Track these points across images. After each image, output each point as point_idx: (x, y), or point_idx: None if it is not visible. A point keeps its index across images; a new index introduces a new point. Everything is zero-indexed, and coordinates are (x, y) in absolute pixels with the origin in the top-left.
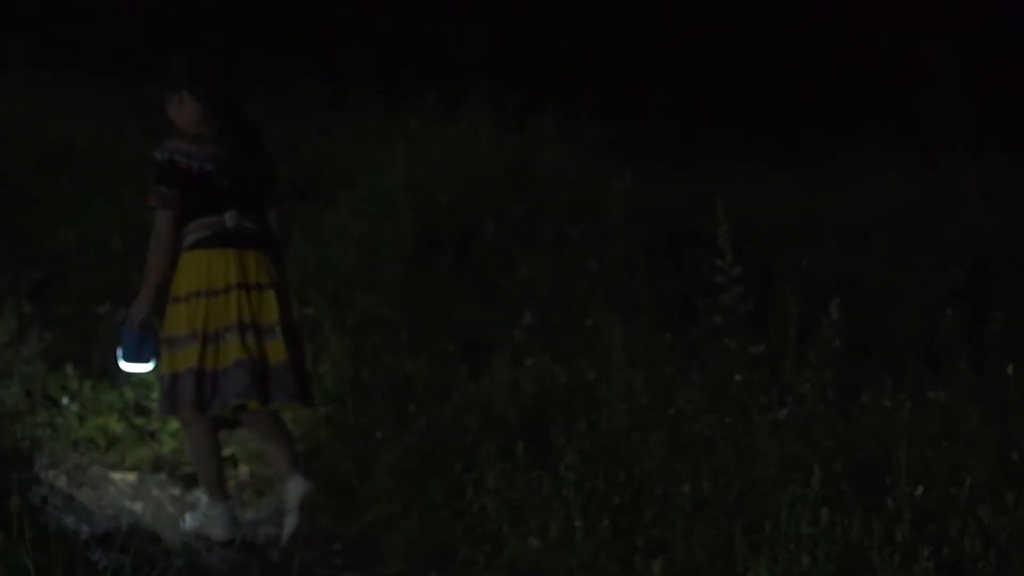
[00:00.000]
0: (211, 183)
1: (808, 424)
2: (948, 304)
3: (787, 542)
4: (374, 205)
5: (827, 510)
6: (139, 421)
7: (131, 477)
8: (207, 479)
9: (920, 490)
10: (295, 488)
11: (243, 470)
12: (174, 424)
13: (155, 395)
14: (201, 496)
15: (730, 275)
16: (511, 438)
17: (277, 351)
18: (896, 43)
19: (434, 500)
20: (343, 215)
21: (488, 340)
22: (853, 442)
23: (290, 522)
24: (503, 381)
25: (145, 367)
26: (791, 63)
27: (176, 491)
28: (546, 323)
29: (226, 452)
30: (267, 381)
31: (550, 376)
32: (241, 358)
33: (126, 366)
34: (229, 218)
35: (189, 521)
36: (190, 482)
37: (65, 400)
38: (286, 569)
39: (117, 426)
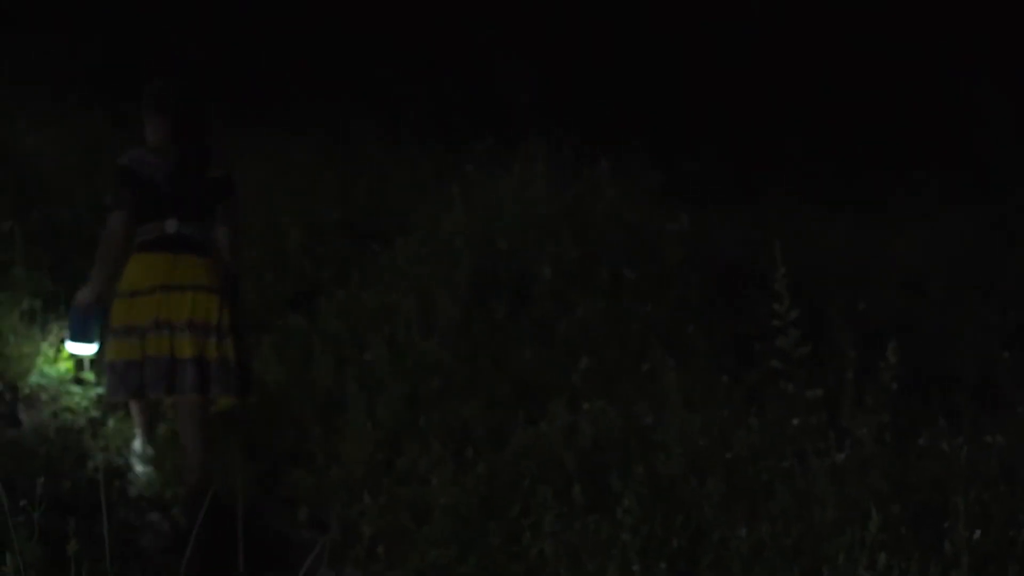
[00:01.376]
0: (157, 192)
1: (865, 468)
2: (1005, 346)
3: None
4: (431, 249)
5: (885, 554)
6: None
7: None
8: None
9: (978, 534)
10: (188, 475)
11: None
12: None
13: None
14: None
15: (787, 319)
16: (568, 482)
17: (183, 347)
18: (953, 84)
19: (492, 544)
20: (400, 259)
21: (545, 384)
22: (910, 485)
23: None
24: (560, 425)
25: (88, 348)
26: (847, 105)
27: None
28: (603, 367)
29: None
30: (174, 375)
31: (607, 420)
32: (150, 353)
33: (71, 346)
34: (169, 225)
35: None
36: None
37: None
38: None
39: None
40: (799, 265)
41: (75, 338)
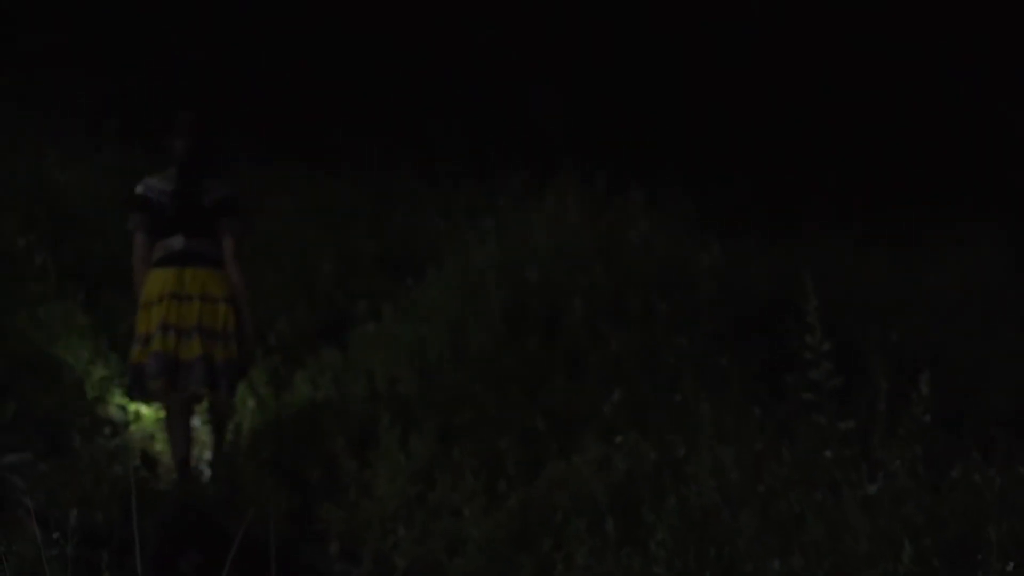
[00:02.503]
0: (165, 213)
1: (898, 499)
2: None
3: None
4: (464, 282)
5: None
6: None
7: None
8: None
9: (1011, 565)
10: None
11: None
12: None
13: None
14: None
15: (819, 351)
16: (601, 515)
17: (192, 349)
18: (985, 114)
19: None
20: (433, 292)
21: (577, 417)
22: (943, 517)
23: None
24: (593, 458)
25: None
26: (880, 137)
27: None
28: (635, 399)
29: None
30: (178, 372)
31: (639, 453)
32: (155, 350)
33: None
34: (176, 242)
35: None
36: None
37: None
38: None
39: None
40: (832, 296)
41: (136, 395)
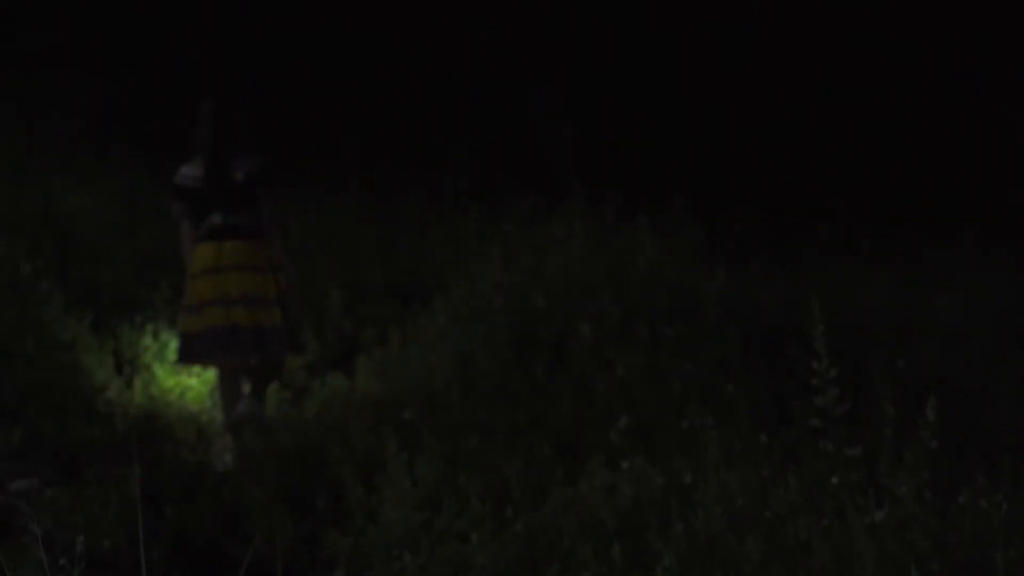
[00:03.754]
0: (201, 194)
1: (905, 525)
2: None
3: None
4: (470, 308)
5: None
6: None
7: None
8: (223, 400)
9: None
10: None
11: None
12: None
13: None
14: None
15: (825, 377)
16: (607, 541)
17: (239, 317)
18: (990, 137)
19: None
20: (440, 318)
21: (584, 442)
22: (950, 543)
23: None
24: (599, 484)
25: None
26: (886, 160)
27: None
28: (642, 425)
29: None
30: (228, 340)
31: (646, 478)
32: (208, 324)
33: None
34: (215, 218)
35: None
36: None
37: None
38: None
39: None
40: (838, 322)
41: (186, 360)
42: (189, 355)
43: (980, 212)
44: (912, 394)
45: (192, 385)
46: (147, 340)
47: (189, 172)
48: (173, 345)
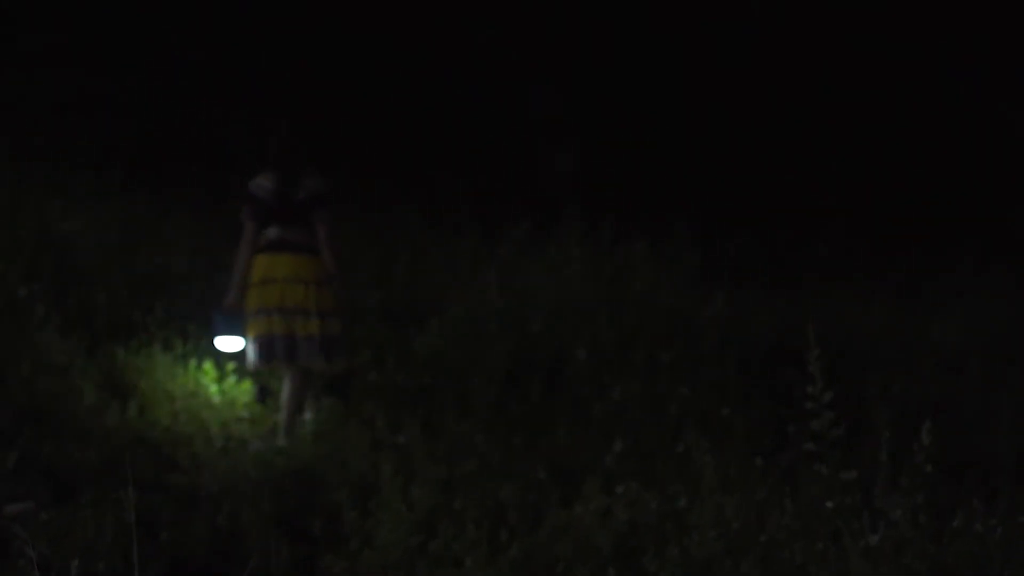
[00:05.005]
0: (265, 206)
1: (900, 549)
2: None
3: None
4: (467, 331)
5: None
6: None
7: None
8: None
9: None
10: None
11: None
12: None
13: None
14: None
15: (821, 401)
16: (603, 565)
17: (295, 326)
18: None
19: None
20: (436, 341)
21: (580, 466)
22: (946, 566)
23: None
24: (595, 508)
25: (235, 342)
26: (884, 185)
27: None
28: (638, 449)
29: None
30: (292, 346)
31: (641, 502)
32: (274, 332)
33: (219, 342)
34: (272, 232)
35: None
36: None
37: None
38: None
39: None
40: (835, 346)
41: (223, 332)
42: (263, 358)
43: (978, 236)
44: (908, 418)
45: (188, 408)
46: (142, 363)
47: (263, 183)
48: (164, 366)
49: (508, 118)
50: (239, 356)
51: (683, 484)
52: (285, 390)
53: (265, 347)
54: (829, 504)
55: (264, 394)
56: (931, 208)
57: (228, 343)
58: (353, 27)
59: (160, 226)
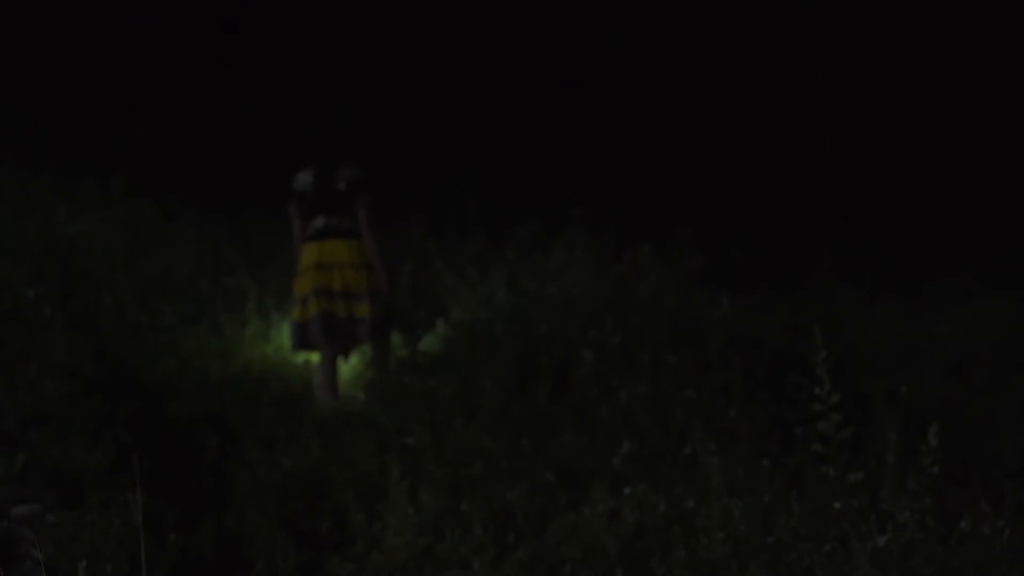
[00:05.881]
0: (310, 199)
1: (908, 551)
2: None
3: None
4: (473, 334)
5: None
6: None
7: None
8: (320, 381)
9: None
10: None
11: None
12: None
13: None
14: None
15: (828, 403)
16: (610, 567)
17: (337, 309)
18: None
19: None
20: (442, 344)
21: (587, 469)
22: (953, 569)
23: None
24: (602, 510)
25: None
26: (890, 187)
27: None
28: (644, 451)
29: None
30: (332, 328)
31: (649, 505)
32: (312, 313)
33: (299, 351)
34: (319, 221)
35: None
36: None
37: None
38: None
39: None
40: (841, 349)
41: (298, 347)
42: (302, 343)
43: (983, 240)
44: (914, 420)
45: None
46: (150, 365)
47: (303, 178)
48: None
49: (515, 121)
50: (296, 340)
51: (690, 486)
52: (328, 379)
53: (316, 329)
54: (836, 506)
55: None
56: (937, 211)
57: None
58: (357, 28)
59: (165, 229)
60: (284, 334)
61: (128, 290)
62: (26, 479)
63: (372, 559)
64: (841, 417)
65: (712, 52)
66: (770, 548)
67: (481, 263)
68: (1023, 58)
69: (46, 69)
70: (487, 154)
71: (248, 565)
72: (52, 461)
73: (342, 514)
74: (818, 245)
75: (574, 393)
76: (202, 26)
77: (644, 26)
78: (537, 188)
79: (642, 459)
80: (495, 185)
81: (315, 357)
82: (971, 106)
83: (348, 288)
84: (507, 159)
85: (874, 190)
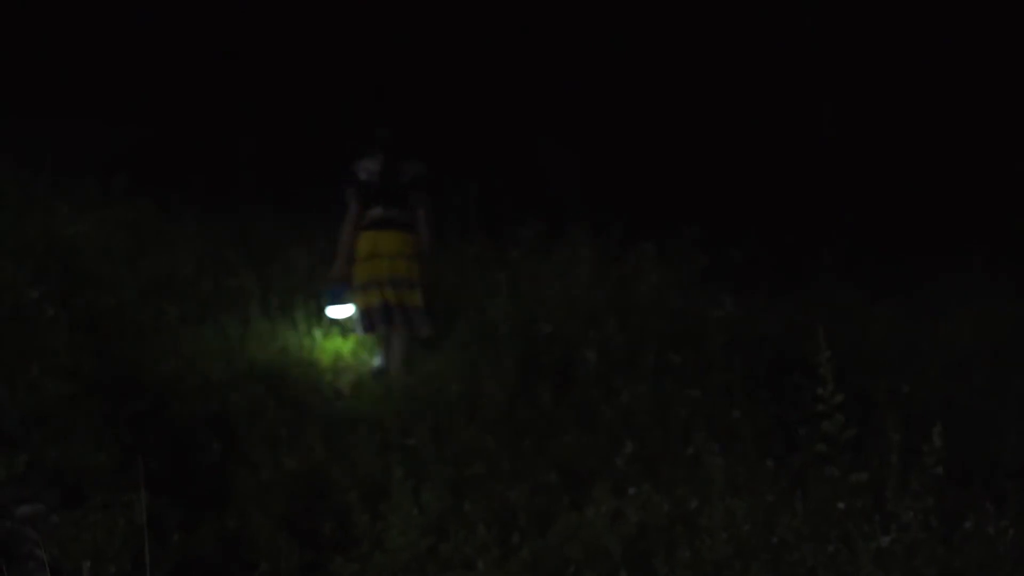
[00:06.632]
0: (370, 188)
1: (911, 552)
2: None
3: None
4: (476, 335)
5: None
6: None
7: None
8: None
9: None
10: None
11: None
12: None
13: None
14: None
15: (831, 403)
16: (614, 567)
17: (403, 296)
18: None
19: None
20: (445, 345)
21: (590, 469)
22: (956, 569)
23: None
24: (605, 510)
25: (345, 310)
26: (893, 187)
27: None
28: (647, 452)
29: None
30: (389, 315)
31: (652, 505)
32: (379, 301)
33: (330, 311)
34: (376, 211)
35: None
36: None
37: None
38: None
39: None
40: (843, 349)
41: (333, 302)
42: (368, 327)
43: (985, 239)
44: (918, 420)
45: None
46: (152, 365)
47: (368, 165)
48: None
49: (517, 122)
50: (362, 325)
51: (693, 487)
52: (396, 350)
53: (377, 315)
54: (840, 506)
55: (382, 373)
56: (938, 210)
57: (338, 311)
58: (360, 27)
59: (166, 229)
60: (287, 334)
61: (130, 290)
62: (28, 479)
63: (375, 559)
64: (844, 417)
65: (715, 53)
66: (773, 548)
67: (484, 263)
68: None
69: (47, 69)
70: (489, 155)
71: (251, 565)
72: (54, 461)
73: (345, 514)
74: (820, 245)
75: (576, 393)
76: (204, 26)
77: (648, 27)
78: (539, 189)
79: (645, 459)
80: (497, 186)
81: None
82: (973, 106)
83: (397, 276)
84: (509, 160)
85: (876, 190)
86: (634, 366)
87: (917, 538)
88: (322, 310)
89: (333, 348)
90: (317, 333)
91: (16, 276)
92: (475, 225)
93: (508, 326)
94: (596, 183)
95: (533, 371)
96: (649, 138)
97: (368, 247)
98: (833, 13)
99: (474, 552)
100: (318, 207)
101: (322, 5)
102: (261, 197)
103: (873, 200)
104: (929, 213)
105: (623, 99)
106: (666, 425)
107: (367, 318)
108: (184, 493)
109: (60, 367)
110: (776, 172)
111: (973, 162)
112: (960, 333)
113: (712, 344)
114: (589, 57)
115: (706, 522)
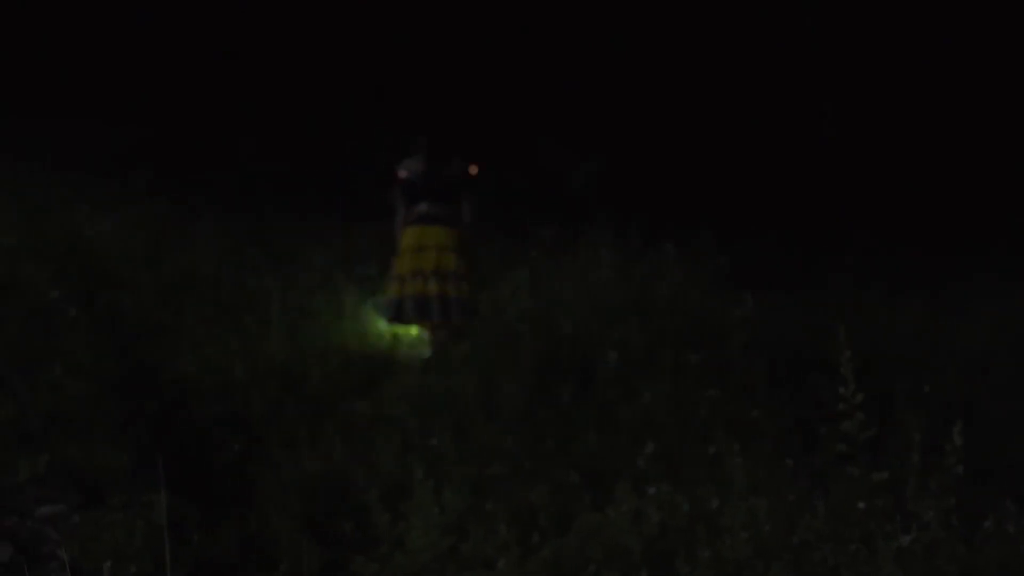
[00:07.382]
0: (416, 186)
1: (932, 551)
2: None
3: None
4: (497, 334)
5: None
6: None
7: None
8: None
9: None
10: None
11: None
12: None
13: None
14: None
15: (852, 402)
16: (634, 567)
17: (431, 287)
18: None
19: None
20: (466, 344)
21: (610, 469)
22: (977, 569)
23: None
24: (626, 510)
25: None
26: (913, 186)
27: None
28: (668, 451)
29: None
30: (427, 306)
31: (672, 505)
32: (408, 292)
33: (391, 325)
34: (422, 207)
35: None
36: None
37: None
38: None
39: None
40: (864, 348)
41: (392, 321)
42: (396, 317)
43: (1006, 238)
44: (938, 419)
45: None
46: (173, 365)
47: (412, 165)
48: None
49: (537, 122)
50: (394, 313)
51: (714, 486)
52: (437, 338)
53: (411, 306)
54: (860, 506)
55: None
56: (959, 209)
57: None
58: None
59: (186, 229)
60: (304, 333)
61: (151, 290)
62: (49, 480)
63: (396, 559)
64: (865, 416)
65: (734, 53)
66: (794, 548)
67: (504, 263)
68: None
69: (68, 69)
70: (509, 157)
71: (272, 565)
72: (75, 461)
73: (366, 514)
74: (840, 244)
75: (597, 393)
76: (229, 26)
77: (666, 30)
78: (560, 189)
79: (666, 459)
80: (518, 186)
81: (413, 330)
82: (995, 104)
83: (441, 267)
84: (529, 162)
85: (897, 189)
86: (655, 366)
87: (938, 537)
88: (379, 318)
89: (354, 346)
90: (338, 331)
91: (37, 276)
92: (495, 226)
93: (528, 325)
94: (618, 184)
95: (554, 371)
96: (670, 139)
97: (411, 240)
98: (855, 11)
99: (495, 552)
100: (336, 207)
101: (339, 8)
102: (279, 196)
103: (894, 199)
104: (950, 212)
105: (644, 101)
106: (686, 425)
107: (398, 307)
108: (204, 493)
109: (81, 367)
110: (797, 172)
111: (995, 161)
112: (980, 332)
113: (732, 344)
114: (610, 60)
115: (727, 522)
